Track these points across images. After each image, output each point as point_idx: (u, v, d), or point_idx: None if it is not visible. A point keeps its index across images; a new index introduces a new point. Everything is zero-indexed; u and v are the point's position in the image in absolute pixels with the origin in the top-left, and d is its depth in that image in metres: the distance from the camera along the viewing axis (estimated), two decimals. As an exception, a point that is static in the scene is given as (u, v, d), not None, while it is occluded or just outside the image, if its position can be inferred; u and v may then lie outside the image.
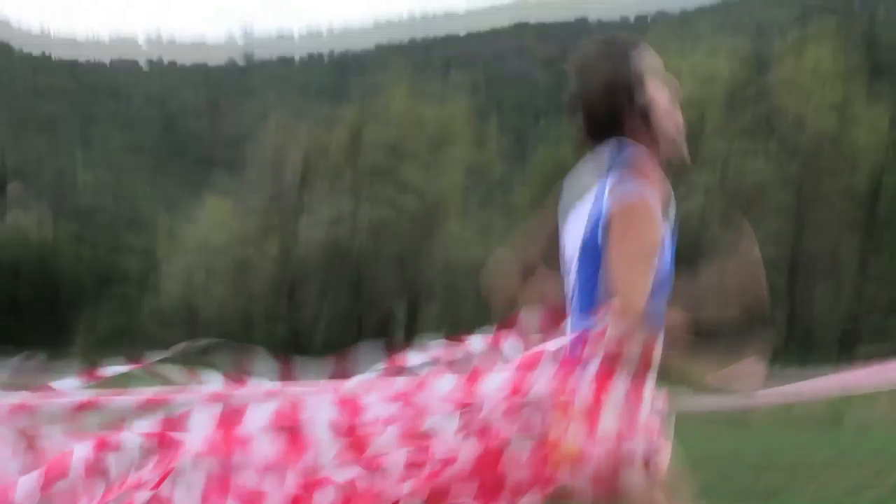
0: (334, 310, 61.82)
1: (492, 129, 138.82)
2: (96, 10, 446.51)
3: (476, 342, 3.48)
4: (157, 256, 73.11)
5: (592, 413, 3.10)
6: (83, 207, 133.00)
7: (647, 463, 3.17)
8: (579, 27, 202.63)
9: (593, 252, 3.23)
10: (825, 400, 22.42)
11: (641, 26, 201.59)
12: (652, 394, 3.28)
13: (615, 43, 3.42)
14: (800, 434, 19.71)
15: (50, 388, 3.22)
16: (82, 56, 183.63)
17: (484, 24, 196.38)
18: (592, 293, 3.28)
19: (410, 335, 66.55)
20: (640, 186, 3.23)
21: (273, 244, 64.04)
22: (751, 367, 3.28)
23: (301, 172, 63.41)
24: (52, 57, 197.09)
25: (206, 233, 64.71)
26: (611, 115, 3.32)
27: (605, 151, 3.35)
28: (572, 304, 3.37)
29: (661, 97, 3.36)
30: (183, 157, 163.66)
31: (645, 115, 3.32)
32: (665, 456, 3.31)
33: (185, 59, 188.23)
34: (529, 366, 3.16)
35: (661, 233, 3.21)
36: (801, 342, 52.78)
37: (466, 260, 60.33)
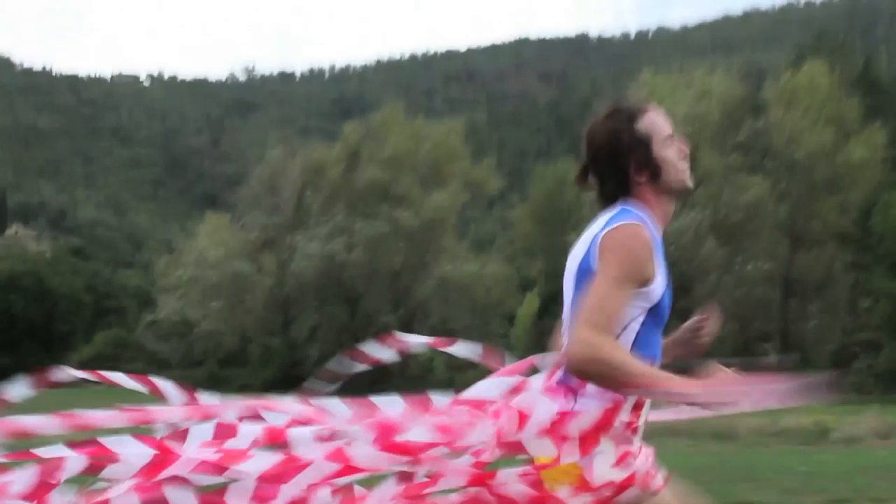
0: (330, 324, 61.91)
1: (490, 144, 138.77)
2: (99, 49, 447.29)
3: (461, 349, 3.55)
4: (155, 271, 73.18)
5: (586, 437, 3.21)
6: (83, 221, 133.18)
7: (646, 485, 3.31)
8: (580, 43, 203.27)
9: (588, 276, 3.28)
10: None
11: (642, 42, 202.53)
12: (646, 419, 3.38)
13: (619, 109, 3.49)
14: (785, 447, 19.79)
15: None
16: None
17: (484, 40, 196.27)
18: None
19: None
20: (637, 215, 3.33)
21: (270, 259, 64.19)
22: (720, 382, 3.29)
23: (298, 189, 63.55)
24: (54, 72, 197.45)
25: (204, 248, 64.81)
26: (617, 178, 3.41)
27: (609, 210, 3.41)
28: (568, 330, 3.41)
29: (667, 154, 3.42)
30: (183, 171, 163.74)
31: (651, 174, 3.39)
32: (661, 477, 3.43)
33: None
34: (517, 391, 3.29)
35: (650, 259, 3.26)
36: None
37: (462, 276, 60.42)
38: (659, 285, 3.29)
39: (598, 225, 3.33)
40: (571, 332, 3.18)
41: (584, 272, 3.30)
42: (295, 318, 63.52)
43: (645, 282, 3.25)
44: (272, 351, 63.64)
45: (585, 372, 3.10)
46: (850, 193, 52.14)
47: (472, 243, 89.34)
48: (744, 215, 51.83)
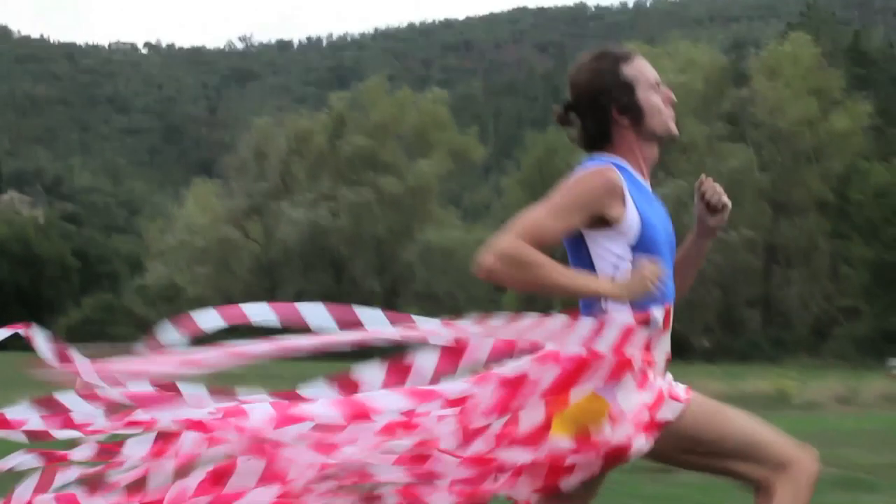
0: (315, 290, 62.02)
1: (487, 113, 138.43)
2: (96, 17, 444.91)
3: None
4: (145, 237, 73.28)
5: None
6: (79, 188, 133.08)
7: (676, 397, 3.33)
8: (578, 13, 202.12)
9: (575, 237, 3.33)
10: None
11: (640, 12, 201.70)
12: (663, 359, 3.38)
13: (605, 53, 3.48)
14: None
15: None
16: (80, 39, 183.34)
17: (482, 9, 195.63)
18: None
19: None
20: (607, 160, 3.36)
21: (256, 226, 64.33)
22: None
23: (284, 157, 63.66)
24: (51, 40, 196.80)
25: (192, 214, 64.95)
26: (599, 122, 3.40)
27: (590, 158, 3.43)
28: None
29: (652, 101, 3.42)
30: (180, 139, 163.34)
31: (634, 119, 3.39)
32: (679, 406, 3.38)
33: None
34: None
35: (611, 197, 3.25)
36: (778, 324, 52.86)
37: (446, 242, 60.47)
38: (632, 221, 3.28)
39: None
40: (491, 240, 3.18)
41: (572, 235, 3.33)
42: (280, 284, 63.62)
43: (607, 220, 3.26)
44: (260, 317, 63.50)
45: (497, 270, 3.15)
46: (832, 162, 52.21)
47: (467, 212, 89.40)
48: (727, 184, 51.62)
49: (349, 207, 60.06)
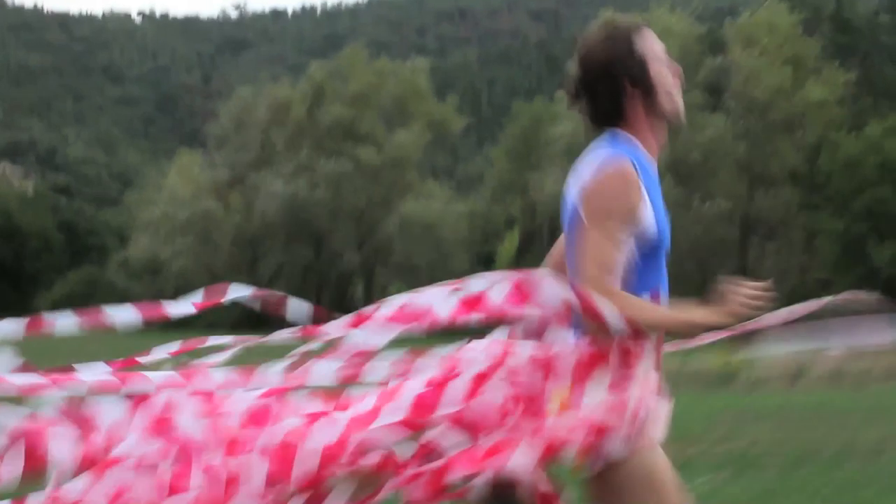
0: (295, 262, 62.08)
1: (474, 83, 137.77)
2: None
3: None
4: (132, 209, 73.19)
5: (581, 374, 3.13)
6: (72, 159, 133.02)
7: (634, 419, 3.18)
8: (575, 6, 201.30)
9: (577, 220, 3.26)
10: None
11: (641, 6, 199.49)
12: (653, 356, 3.29)
13: (616, 26, 3.43)
14: (691, 393, 19.67)
15: None
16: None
17: (479, 3, 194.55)
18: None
19: (369, 287, 66.81)
20: (623, 150, 3.28)
21: (237, 198, 64.18)
22: None
23: (264, 127, 63.46)
24: (44, 9, 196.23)
25: (175, 185, 64.83)
26: (611, 95, 3.34)
27: (599, 142, 3.35)
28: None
29: (662, 76, 3.37)
30: (174, 109, 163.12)
31: (646, 94, 3.34)
32: (662, 417, 3.33)
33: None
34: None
35: (637, 198, 3.20)
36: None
37: (425, 213, 60.28)
38: (649, 220, 3.23)
39: (587, 166, 3.28)
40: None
41: (574, 215, 3.28)
42: (262, 256, 63.56)
43: (635, 221, 3.21)
44: (241, 289, 63.39)
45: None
46: (807, 133, 52.02)
47: (461, 183, 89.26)
48: (702, 154, 51.71)
49: (327, 179, 59.91)
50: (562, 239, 3.53)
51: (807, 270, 50.46)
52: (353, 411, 3.12)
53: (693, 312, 3.21)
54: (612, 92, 3.33)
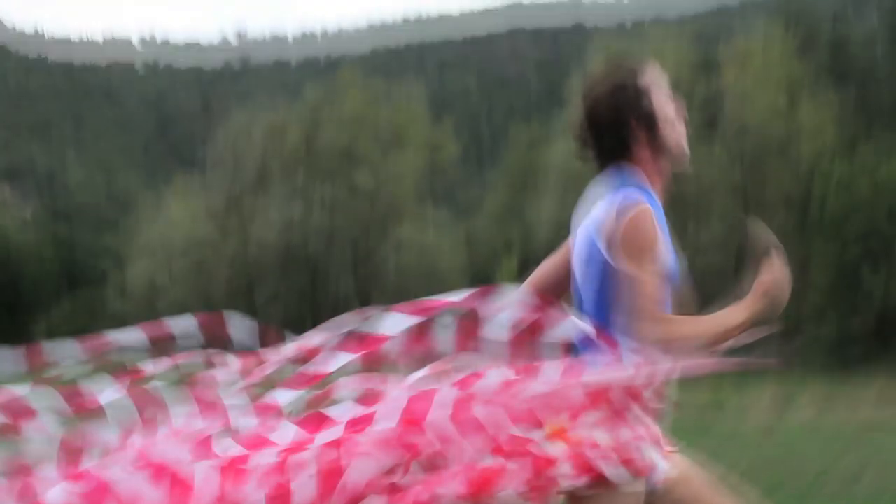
0: (291, 288, 62.10)
1: (474, 107, 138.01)
2: (91, 11, 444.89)
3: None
4: (130, 233, 73.31)
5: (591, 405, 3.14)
6: (71, 183, 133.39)
7: (630, 464, 3.22)
8: (575, 32, 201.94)
9: (598, 265, 3.37)
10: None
11: (639, 32, 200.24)
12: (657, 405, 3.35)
13: (621, 64, 3.54)
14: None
15: None
16: (77, 58, 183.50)
17: (480, 29, 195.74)
18: (601, 305, 3.40)
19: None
20: (638, 193, 3.38)
21: (233, 223, 64.29)
22: None
23: (260, 152, 63.62)
24: (48, 59, 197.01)
25: (173, 210, 65.05)
26: (617, 131, 3.44)
27: (610, 175, 3.46)
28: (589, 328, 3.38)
29: (667, 111, 3.49)
30: (174, 134, 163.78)
31: (651, 129, 3.44)
32: (665, 472, 3.39)
33: (181, 63, 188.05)
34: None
35: (659, 237, 3.35)
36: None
37: (421, 238, 60.37)
38: (666, 257, 3.38)
39: (603, 208, 3.36)
40: (634, 333, 3.24)
41: (594, 258, 3.36)
42: (258, 281, 63.53)
43: (661, 257, 3.37)
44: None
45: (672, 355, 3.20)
46: (800, 157, 52.05)
47: (460, 208, 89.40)
48: (695, 179, 51.77)
49: (322, 204, 59.96)
50: (546, 265, 3.70)
51: (801, 296, 50.33)
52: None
53: (736, 314, 3.41)
54: (617, 129, 3.43)
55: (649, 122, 3.41)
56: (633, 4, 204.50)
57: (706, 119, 52.82)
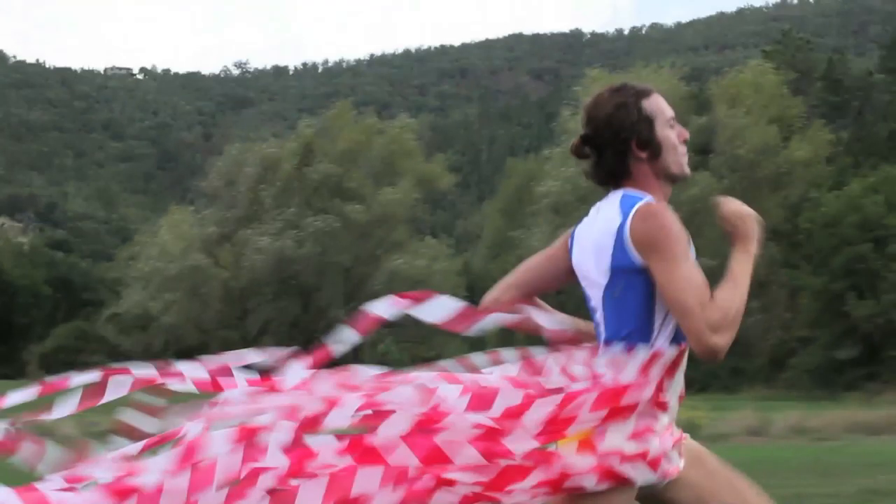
0: (283, 318, 62.08)
1: (474, 140, 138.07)
2: (93, 43, 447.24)
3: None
4: (124, 263, 73.32)
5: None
6: (72, 214, 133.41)
7: (655, 465, 3.28)
8: (574, 39, 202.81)
9: (628, 274, 3.33)
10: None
11: (636, 38, 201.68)
12: (676, 401, 3.41)
13: (626, 87, 3.51)
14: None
15: None
16: (76, 64, 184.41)
17: (478, 35, 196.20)
18: (627, 313, 3.36)
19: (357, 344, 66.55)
20: (642, 195, 3.39)
21: (226, 253, 64.29)
22: None
23: (253, 183, 63.72)
24: (46, 64, 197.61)
25: (166, 240, 65.01)
26: (618, 155, 3.42)
27: (611, 197, 3.45)
28: (604, 332, 3.43)
29: (670, 141, 3.45)
30: (175, 165, 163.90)
31: (653, 157, 3.42)
32: (679, 464, 3.42)
33: (179, 68, 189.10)
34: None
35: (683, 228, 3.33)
36: (737, 353, 52.56)
37: (412, 270, 60.31)
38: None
39: (614, 218, 3.35)
40: (692, 328, 3.20)
41: (622, 270, 3.33)
42: (250, 311, 63.54)
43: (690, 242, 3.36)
44: (229, 344, 63.21)
45: (726, 342, 3.23)
46: (791, 192, 52.16)
47: (460, 240, 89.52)
48: (688, 211, 51.82)
49: (315, 235, 60.08)
50: (527, 266, 3.66)
51: (789, 327, 50.36)
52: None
53: (745, 254, 3.43)
54: (619, 153, 3.41)
55: (652, 150, 3.41)
56: (633, 35, 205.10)
57: (698, 152, 53.07)
